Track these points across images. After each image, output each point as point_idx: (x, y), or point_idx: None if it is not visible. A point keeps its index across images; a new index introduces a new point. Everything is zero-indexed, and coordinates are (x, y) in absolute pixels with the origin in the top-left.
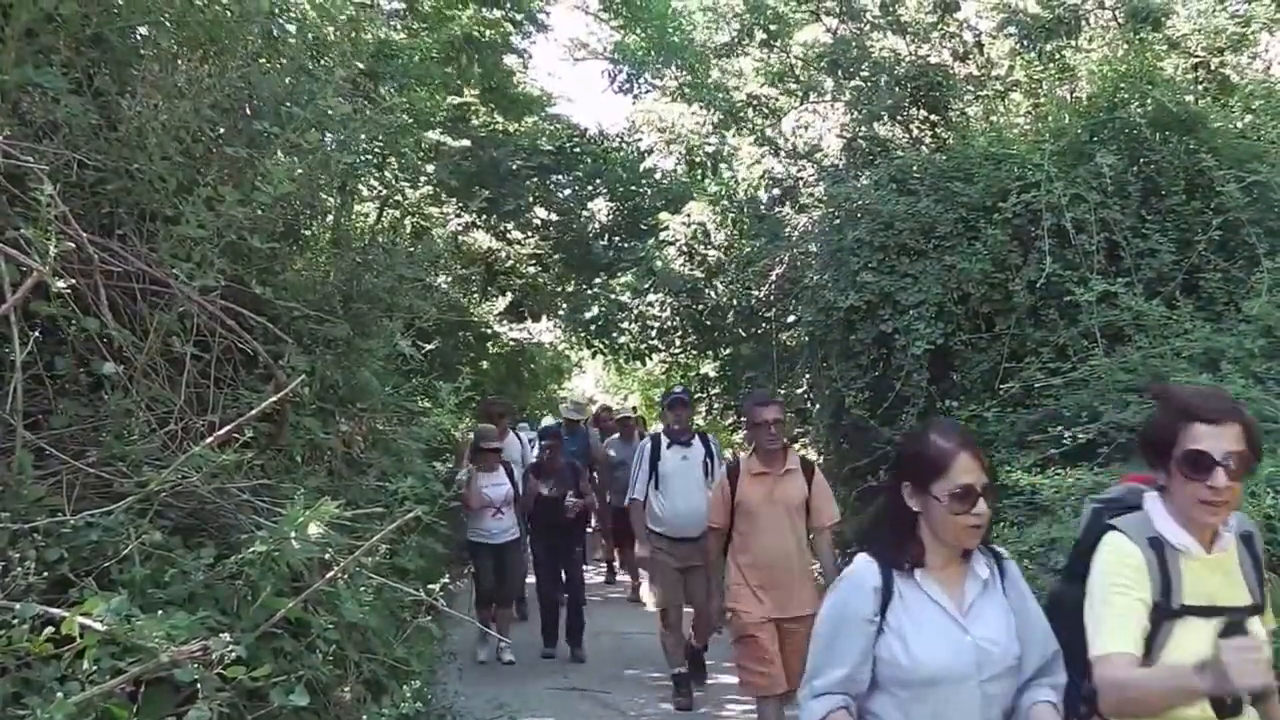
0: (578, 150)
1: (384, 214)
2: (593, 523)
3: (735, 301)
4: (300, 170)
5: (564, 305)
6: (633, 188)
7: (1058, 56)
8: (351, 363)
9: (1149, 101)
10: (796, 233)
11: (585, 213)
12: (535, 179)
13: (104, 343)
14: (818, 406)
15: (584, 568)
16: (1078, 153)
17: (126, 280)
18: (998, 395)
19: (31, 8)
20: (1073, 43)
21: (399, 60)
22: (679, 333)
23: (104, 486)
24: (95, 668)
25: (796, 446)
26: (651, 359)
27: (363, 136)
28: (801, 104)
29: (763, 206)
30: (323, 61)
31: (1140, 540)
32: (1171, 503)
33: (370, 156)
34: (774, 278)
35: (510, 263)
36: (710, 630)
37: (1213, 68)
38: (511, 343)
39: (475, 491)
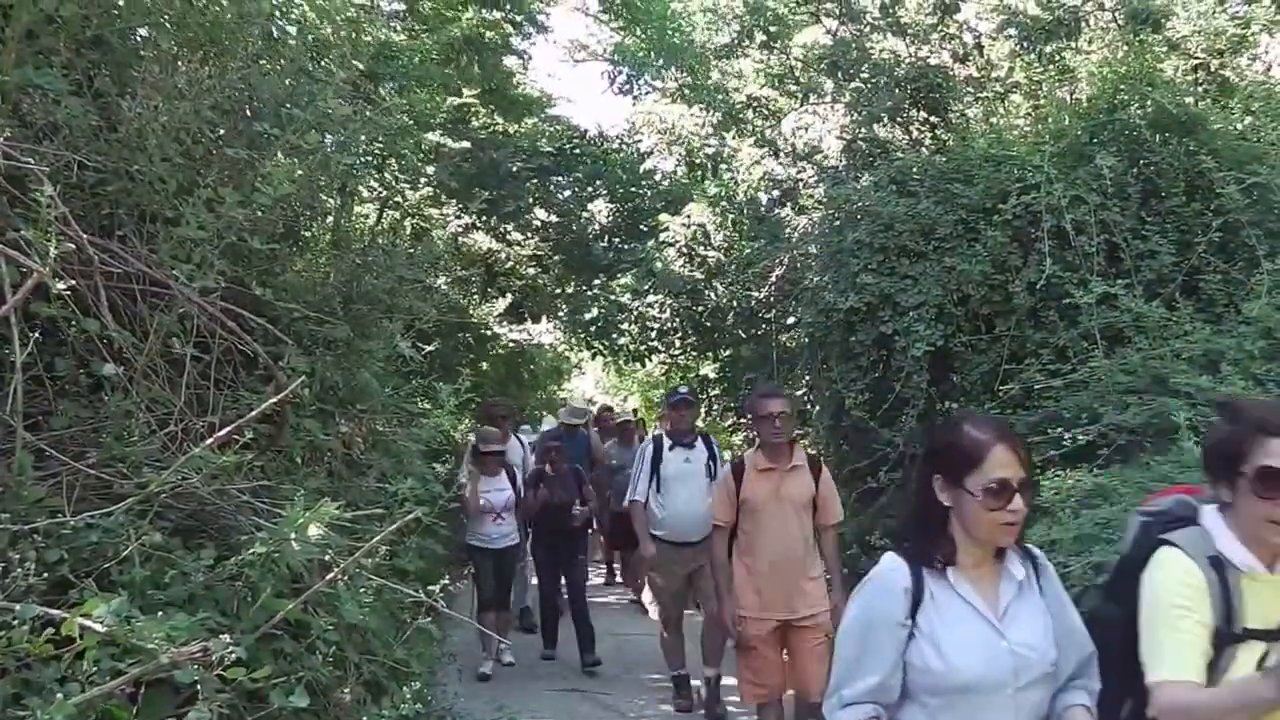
0: (578, 152)
1: (384, 215)
2: (593, 524)
3: (735, 303)
4: (300, 172)
5: (564, 307)
6: (633, 189)
7: (1057, 58)
8: (351, 364)
9: (1149, 103)
10: (796, 234)
11: (585, 214)
12: (535, 180)
13: (104, 344)
14: (817, 408)
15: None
16: (1078, 154)
17: (127, 281)
18: (997, 397)
19: (32, 9)
20: (1072, 44)
21: (399, 62)
22: (679, 334)
23: (104, 488)
24: (95, 669)
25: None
26: (651, 360)
27: (363, 138)
28: (801, 105)
29: (763, 208)
30: (323, 63)
31: (1200, 559)
32: (1234, 520)
33: (370, 158)
34: (774, 279)
35: (510, 264)
36: (722, 646)
37: (1213, 69)
38: (511, 344)
39: (475, 495)
